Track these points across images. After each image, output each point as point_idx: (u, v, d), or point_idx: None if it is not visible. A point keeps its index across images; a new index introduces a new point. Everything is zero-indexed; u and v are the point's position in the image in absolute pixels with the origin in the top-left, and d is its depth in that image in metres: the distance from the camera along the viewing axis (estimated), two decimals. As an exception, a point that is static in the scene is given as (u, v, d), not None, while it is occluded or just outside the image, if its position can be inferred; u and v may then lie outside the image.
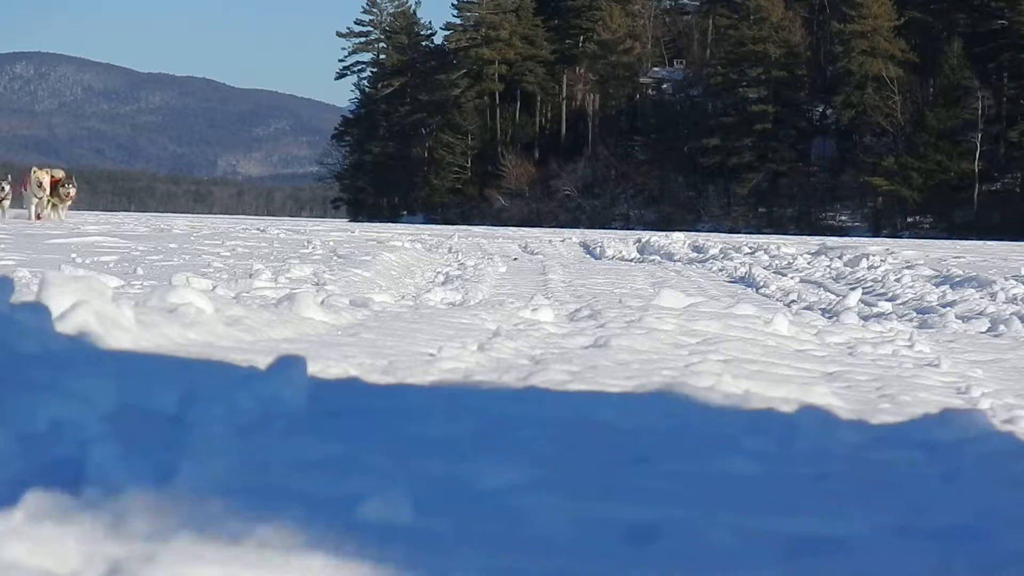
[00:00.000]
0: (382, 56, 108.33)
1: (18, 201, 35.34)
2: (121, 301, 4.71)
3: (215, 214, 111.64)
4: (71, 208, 36.38)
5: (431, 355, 5.06)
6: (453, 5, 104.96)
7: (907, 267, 18.92)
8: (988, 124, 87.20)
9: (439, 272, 17.56)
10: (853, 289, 14.14)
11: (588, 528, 2.28)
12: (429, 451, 2.73)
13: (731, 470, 2.78)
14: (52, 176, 34.59)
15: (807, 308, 12.50)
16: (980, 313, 10.89)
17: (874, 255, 20.95)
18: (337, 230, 35.30)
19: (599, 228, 66.70)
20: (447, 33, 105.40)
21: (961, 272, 16.72)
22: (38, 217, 32.94)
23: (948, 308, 11.50)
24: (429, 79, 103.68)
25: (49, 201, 34.01)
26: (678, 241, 29.33)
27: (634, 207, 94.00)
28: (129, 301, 5.04)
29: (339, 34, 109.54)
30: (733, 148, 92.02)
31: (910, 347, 6.77)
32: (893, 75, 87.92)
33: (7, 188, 34.63)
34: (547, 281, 16.65)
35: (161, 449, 2.70)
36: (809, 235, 60.09)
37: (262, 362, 3.95)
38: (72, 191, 34.90)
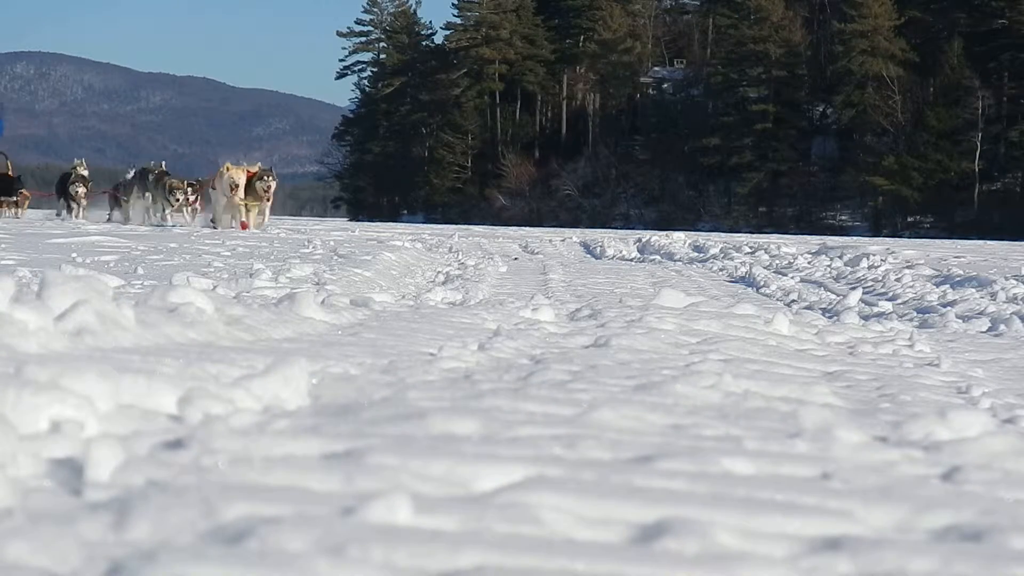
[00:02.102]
0: (382, 56, 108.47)
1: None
2: (122, 301, 4.71)
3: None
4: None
5: (432, 354, 5.06)
6: (453, 5, 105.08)
7: (907, 267, 18.91)
8: (988, 124, 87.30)
9: (439, 272, 17.54)
10: (853, 289, 14.13)
11: (592, 527, 2.29)
12: (431, 450, 2.73)
13: (732, 470, 2.78)
14: (247, 171, 28.73)
15: (807, 308, 12.49)
16: (980, 313, 10.89)
17: (874, 255, 20.95)
18: (337, 229, 35.26)
19: (599, 228, 66.77)
20: (447, 33, 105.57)
21: (961, 272, 16.72)
22: (242, 225, 27.36)
23: (948, 308, 11.50)
24: (429, 79, 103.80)
25: (243, 203, 28.29)
26: (678, 241, 29.32)
27: (634, 207, 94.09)
28: (130, 301, 5.04)
29: (339, 34, 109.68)
30: (733, 148, 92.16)
31: (910, 347, 6.77)
32: (893, 75, 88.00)
33: (165, 174, 29.42)
34: (547, 281, 16.64)
35: (161, 449, 2.71)
36: (809, 235, 60.10)
37: (262, 361, 3.95)
38: (273, 184, 28.46)
